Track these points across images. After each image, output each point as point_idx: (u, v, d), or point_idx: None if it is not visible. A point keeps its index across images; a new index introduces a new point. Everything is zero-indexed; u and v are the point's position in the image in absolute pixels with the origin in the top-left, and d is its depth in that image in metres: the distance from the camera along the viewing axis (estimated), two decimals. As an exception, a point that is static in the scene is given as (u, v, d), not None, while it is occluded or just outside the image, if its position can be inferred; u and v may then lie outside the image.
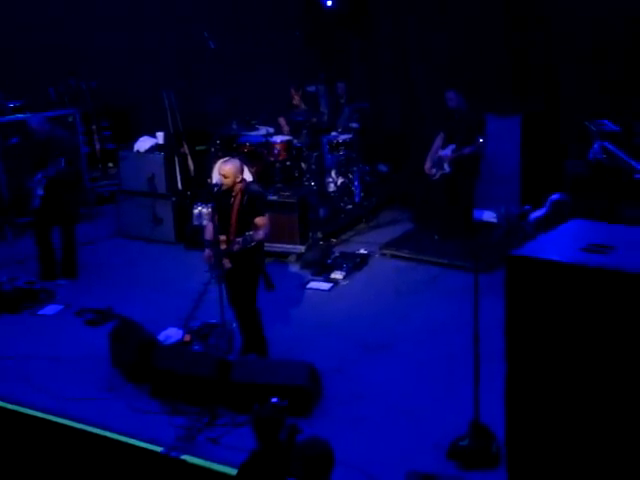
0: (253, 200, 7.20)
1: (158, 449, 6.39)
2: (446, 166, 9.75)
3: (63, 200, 9.30)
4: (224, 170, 7.17)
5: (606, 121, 8.85)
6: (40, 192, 9.18)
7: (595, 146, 8.77)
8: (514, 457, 4.19)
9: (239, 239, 6.97)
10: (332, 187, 11.12)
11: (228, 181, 7.15)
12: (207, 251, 7.34)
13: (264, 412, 5.26)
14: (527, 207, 9.26)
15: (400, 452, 6.13)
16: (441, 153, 9.79)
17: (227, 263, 7.16)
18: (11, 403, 7.09)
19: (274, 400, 5.55)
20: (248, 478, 5.06)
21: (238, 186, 7.20)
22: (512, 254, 4.08)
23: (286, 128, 10.99)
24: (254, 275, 7.31)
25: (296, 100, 11.14)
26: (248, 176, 8.04)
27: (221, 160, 7.44)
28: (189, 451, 6.31)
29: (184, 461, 6.24)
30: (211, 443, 6.40)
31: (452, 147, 9.73)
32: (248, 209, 7.16)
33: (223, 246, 7.12)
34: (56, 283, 9.51)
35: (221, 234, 7.13)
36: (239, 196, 7.19)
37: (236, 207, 7.17)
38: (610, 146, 8.62)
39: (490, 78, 10.14)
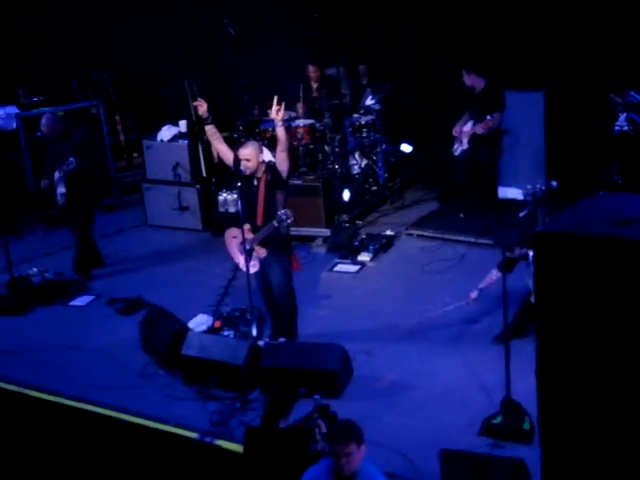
0: (276, 170, 7.17)
1: (192, 435, 6.46)
2: (465, 142, 9.74)
3: (82, 194, 9.26)
4: (245, 154, 7.09)
5: (632, 92, 8.75)
6: (62, 190, 9.19)
7: (621, 118, 8.68)
8: (548, 433, 4.18)
9: (274, 221, 6.96)
10: (356, 169, 11.10)
11: (252, 164, 7.09)
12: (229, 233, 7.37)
13: (275, 395, 5.37)
14: (553, 183, 9.22)
15: (433, 431, 6.15)
16: (462, 129, 9.78)
17: (262, 252, 7.17)
18: (47, 393, 7.19)
19: (302, 390, 5.69)
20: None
21: (261, 169, 7.17)
22: (540, 230, 4.05)
23: (300, 113, 10.92)
24: (288, 254, 7.34)
25: (314, 84, 11.07)
26: (268, 155, 8.02)
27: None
28: (223, 436, 6.36)
29: (219, 446, 6.30)
30: (244, 428, 6.45)
31: (470, 123, 9.71)
32: (274, 182, 7.14)
33: (249, 235, 7.12)
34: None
35: (245, 222, 7.12)
36: (264, 177, 7.16)
37: (262, 188, 7.13)
38: (636, 117, 8.53)
39: (512, 53, 10.05)
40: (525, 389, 5.61)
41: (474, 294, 7.28)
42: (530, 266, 6.60)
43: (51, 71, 12.43)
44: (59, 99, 11.89)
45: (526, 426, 5.95)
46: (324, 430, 5.53)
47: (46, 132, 9.33)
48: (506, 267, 6.84)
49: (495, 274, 7.16)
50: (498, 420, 6.09)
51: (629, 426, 3.86)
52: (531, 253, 6.55)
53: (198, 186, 10.74)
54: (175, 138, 10.92)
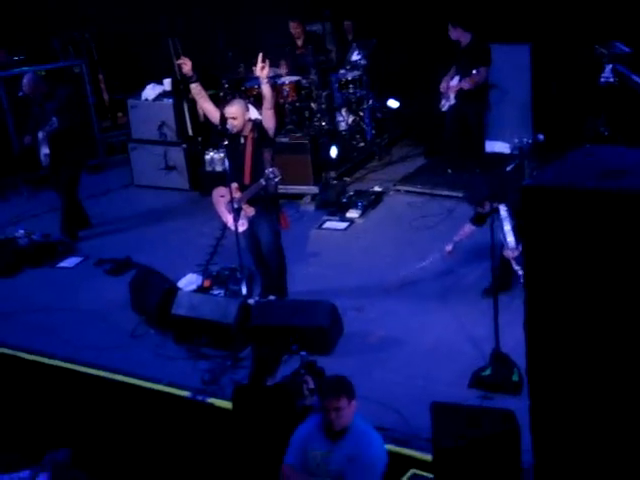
0: (263, 128, 7.13)
1: (184, 393, 6.51)
2: (452, 97, 9.71)
3: (67, 155, 9.15)
4: (231, 112, 7.02)
5: (617, 43, 8.70)
6: (46, 150, 9.07)
7: (606, 69, 8.65)
8: (536, 384, 4.22)
9: (262, 179, 6.94)
10: (343, 126, 11.05)
11: (238, 122, 7.02)
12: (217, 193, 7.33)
13: (261, 353, 5.46)
14: (540, 136, 9.21)
15: (423, 385, 6.22)
16: (449, 84, 9.74)
17: (250, 211, 7.15)
18: (39, 355, 7.20)
19: (294, 347, 5.76)
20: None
21: (248, 127, 7.13)
22: (527, 184, 4.05)
23: (284, 70, 10.83)
24: (276, 213, 7.33)
25: (298, 40, 10.96)
26: (254, 113, 7.95)
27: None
28: (215, 394, 6.41)
29: (211, 404, 6.35)
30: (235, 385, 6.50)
31: (457, 78, 9.67)
32: (261, 140, 7.10)
33: (237, 194, 7.09)
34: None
35: (232, 181, 7.09)
36: (251, 135, 7.11)
37: (249, 147, 7.09)
38: (622, 68, 8.49)
39: (497, 6, 9.97)
40: (514, 341, 5.67)
41: (449, 247, 7.34)
42: (500, 219, 6.61)
43: (31, 30, 12.24)
44: (40, 58, 11.73)
45: (515, 378, 6.02)
46: (311, 386, 5.58)
47: (28, 92, 9.19)
48: (478, 221, 6.95)
49: (469, 227, 7.26)
50: (487, 372, 6.15)
51: (617, 376, 3.91)
52: (502, 207, 6.57)
53: (184, 145, 10.67)
54: (160, 97, 10.82)
